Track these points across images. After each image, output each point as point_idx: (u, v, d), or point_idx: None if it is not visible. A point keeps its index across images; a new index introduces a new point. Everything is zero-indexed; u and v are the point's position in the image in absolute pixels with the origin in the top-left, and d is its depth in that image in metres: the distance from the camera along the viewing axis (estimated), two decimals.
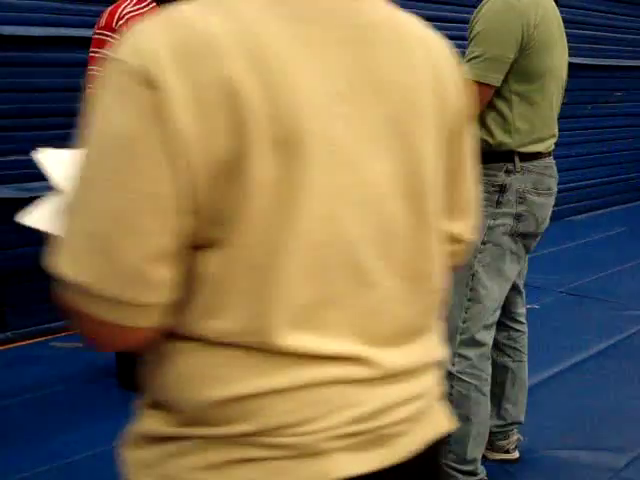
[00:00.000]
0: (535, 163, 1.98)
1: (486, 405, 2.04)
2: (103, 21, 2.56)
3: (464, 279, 2.00)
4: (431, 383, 0.83)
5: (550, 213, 2.07)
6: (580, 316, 3.77)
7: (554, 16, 1.98)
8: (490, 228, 1.97)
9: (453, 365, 2.00)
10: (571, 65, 2.09)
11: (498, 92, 1.91)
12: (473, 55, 1.89)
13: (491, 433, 2.19)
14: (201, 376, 0.69)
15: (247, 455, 0.69)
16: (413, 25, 0.80)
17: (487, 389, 2.03)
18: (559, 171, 2.09)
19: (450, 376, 2.00)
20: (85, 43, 2.72)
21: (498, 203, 1.97)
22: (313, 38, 0.69)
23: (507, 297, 2.12)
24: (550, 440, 2.46)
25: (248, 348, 0.68)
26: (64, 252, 0.65)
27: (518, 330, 2.26)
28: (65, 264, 0.65)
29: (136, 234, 0.63)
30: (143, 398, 0.76)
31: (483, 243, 1.98)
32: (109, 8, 2.59)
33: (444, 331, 2.15)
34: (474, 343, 2.00)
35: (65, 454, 2.32)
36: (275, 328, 0.68)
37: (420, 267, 0.78)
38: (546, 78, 1.94)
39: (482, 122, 1.96)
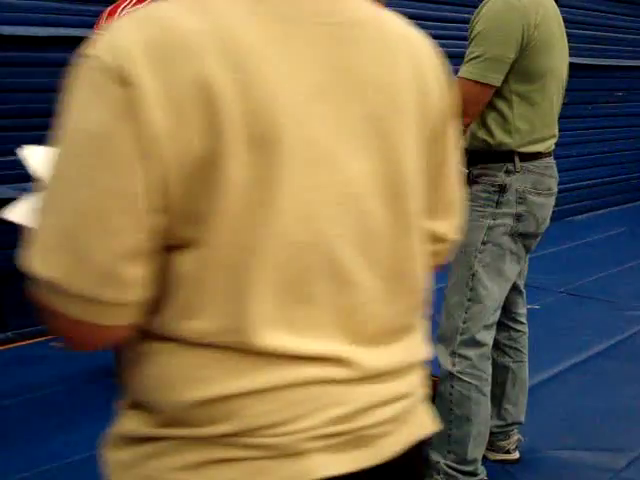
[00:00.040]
0: (535, 163, 1.98)
1: (486, 405, 2.03)
2: (103, 21, 2.55)
3: (464, 279, 1.99)
4: (415, 383, 0.82)
5: (550, 213, 2.06)
6: (580, 316, 3.77)
7: (555, 16, 1.98)
8: (490, 228, 1.97)
9: (453, 365, 2.00)
10: (571, 65, 2.09)
11: (498, 92, 1.91)
12: (473, 55, 1.89)
13: (491, 433, 2.18)
14: (180, 377, 0.69)
15: (227, 455, 0.69)
16: (396, 24, 0.79)
17: (487, 389, 2.03)
18: (560, 171, 2.09)
19: (450, 376, 2.00)
20: (85, 43, 2.72)
21: (498, 203, 1.97)
22: (291, 36, 0.69)
23: (508, 297, 2.12)
24: (551, 440, 2.46)
25: (227, 348, 0.68)
26: (35, 248, 0.65)
27: (519, 330, 2.26)
28: (35, 260, 0.65)
29: (107, 232, 0.63)
30: (123, 399, 0.76)
31: (483, 243, 1.98)
32: (109, 8, 2.59)
33: (444, 330, 2.14)
34: (474, 343, 1.99)
35: (65, 454, 2.32)
36: (253, 328, 0.67)
37: (401, 266, 0.78)
38: (547, 78, 1.94)
39: (482, 122, 1.96)
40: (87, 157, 0.63)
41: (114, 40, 0.64)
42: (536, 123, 1.96)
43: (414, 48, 0.79)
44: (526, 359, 2.27)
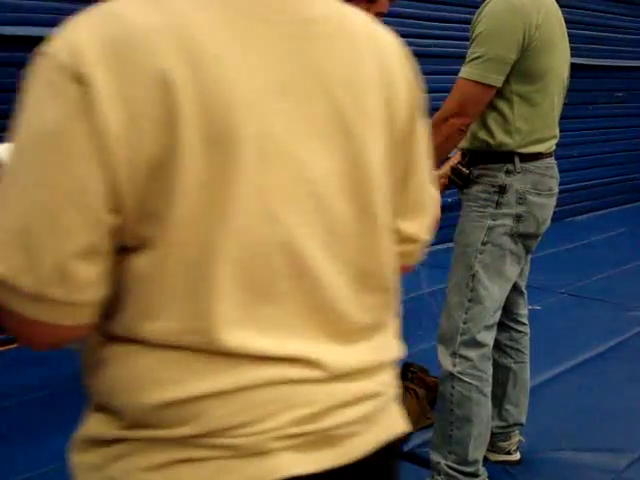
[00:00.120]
0: (536, 164, 1.97)
1: (487, 406, 2.03)
2: None
3: (464, 280, 1.99)
4: (386, 382, 0.82)
5: (551, 214, 2.06)
6: (581, 317, 3.77)
7: (556, 15, 1.97)
8: (490, 229, 1.97)
9: (454, 366, 1.99)
10: (571, 65, 2.09)
11: (499, 92, 1.91)
12: (475, 56, 1.88)
13: (492, 434, 2.18)
14: (145, 379, 0.68)
15: (193, 455, 0.68)
16: (361, 21, 0.79)
17: (488, 390, 2.03)
18: (560, 172, 2.08)
19: (451, 377, 2.00)
20: None
21: (498, 204, 1.96)
22: (252, 33, 0.68)
23: (509, 298, 2.12)
24: (551, 441, 2.46)
25: (192, 349, 0.68)
26: None
27: (520, 331, 2.26)
28: None
29: (59, 230, 0.63)
30: (89, 401, 0.75)
31: (483, 244, 1.97)
32: None
33: (444, 331, 2.14)
34: (475, 344, 1.99)
35: (65, 455, 2.31)
36: (217, 328, 0.67)
37: (368, 265, 0.77)
38: (548, 78, 1.94)
39: (483, 122, 1.96)
40: (41, 155, 0.63)
41: (70, 38, 0.64)
42: (537, 124, 1.95)
43: (381, 46, 0.78)
44: (527, 360, 2.27)
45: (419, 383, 2.59)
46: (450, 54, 4.95)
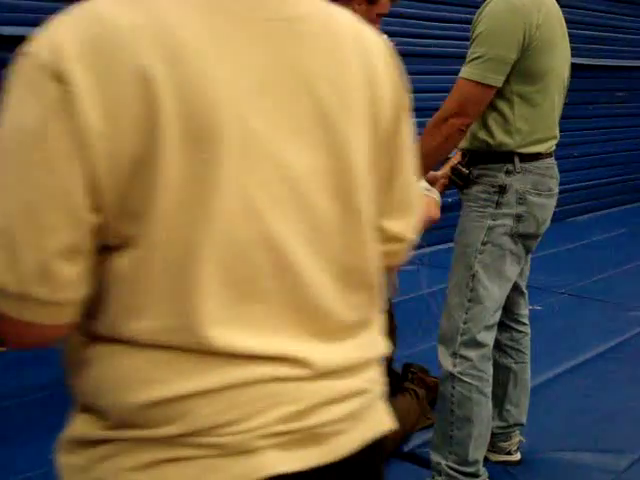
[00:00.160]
0: (536, 164, 1.97)
1: (487, 406, 2.03)
2: None
3: (464, 280, 1.99)
4: (372, 380, 0.81)
5: (551, 214, 2.06)
6: (582, 317, 3.77)
7: (557, 15, 1.97)
8: (490, 229, 1.97)
9: (454, 366, 1.99)
10: (572, 65, 2.08)
11: (499, 92, 1.91)
12: (475, 56, 1.88)
13: (493, 434, 2.18)
14: (131, 378, 0.68)
15: (179, 454, 0.68)
16: (347, 20, 0.78)
17: (488, 390, 2.03)
18: (560, 172, 2.08)
19: (451, 377, 1.99)
20: None
21: (498, 204, 1.96)
22: (234, 31, 0.68)
23: (510, 298, 2.12)
24: (552, 442, 2.45)
25: (178, 348, 0.68)
26: None
27: (521, 331, 2.25)
28: None
29: (41, 229, 0.63)
30: (75, 402, 0.75)
31: (483, 244, 1.97)
32: None
33: (445, 331, 2.14)
34: (475, 344, 1.99)
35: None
36: (202, 327, 0.67)
37: (352, 262, 0.77)
38: (548, 78, 1.93)
39: (483, 122, 1.95)
40: (22, 154, 0.63)
41: (51, 37, 0.64)
42: (537, 124, 1.95)
43: (366, 45, 0.78)
44: (528, 360, 2.27)
45: (419, 383, 2.59)
46: (450, 54, 4.95)
